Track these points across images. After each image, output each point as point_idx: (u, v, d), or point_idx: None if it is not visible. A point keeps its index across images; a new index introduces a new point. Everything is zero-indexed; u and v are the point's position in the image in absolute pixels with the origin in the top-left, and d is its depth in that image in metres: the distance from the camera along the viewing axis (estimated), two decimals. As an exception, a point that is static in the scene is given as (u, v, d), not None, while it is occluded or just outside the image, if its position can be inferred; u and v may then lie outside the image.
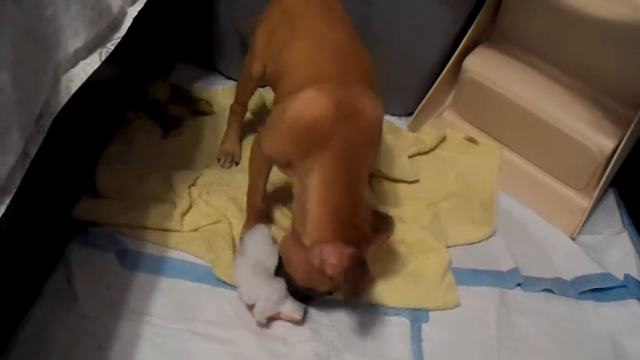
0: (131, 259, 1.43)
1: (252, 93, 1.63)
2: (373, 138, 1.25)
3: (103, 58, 1.09)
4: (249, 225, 1.46)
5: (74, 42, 1.04)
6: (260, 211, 1.47)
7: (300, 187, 1.22)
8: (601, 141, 1.56)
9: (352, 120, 1.18)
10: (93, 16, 1.07)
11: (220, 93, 1.82)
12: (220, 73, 1.92)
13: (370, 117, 1.22)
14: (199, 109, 1.79)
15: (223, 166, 1.69)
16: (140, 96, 1.75)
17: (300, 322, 1.35)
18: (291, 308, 1.34)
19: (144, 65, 1.79)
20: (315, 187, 1.17)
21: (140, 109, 1.75)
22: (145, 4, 1.23)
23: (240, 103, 1.66)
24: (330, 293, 1.30)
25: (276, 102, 1.38)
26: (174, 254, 1.46)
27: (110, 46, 1.12)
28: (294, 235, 1.23)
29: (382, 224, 1.23)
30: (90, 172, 1.54)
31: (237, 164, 1.70)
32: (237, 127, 1.70)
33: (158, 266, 1.43)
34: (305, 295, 1.32)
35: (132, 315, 1.33)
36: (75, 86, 1.04)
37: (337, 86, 1.21)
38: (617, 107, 1.60)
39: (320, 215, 1.17)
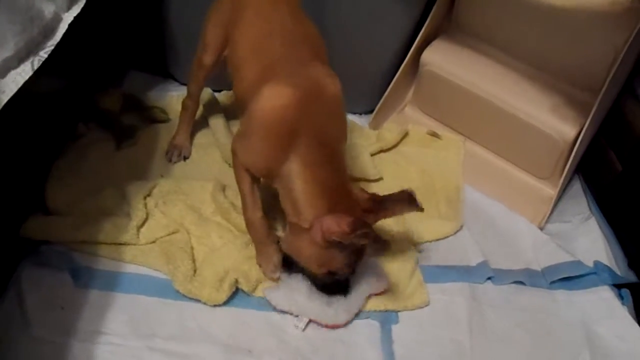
0: (86, 277, 1.36)
1: (202, 83, 1.59)
2: (339, 112, 1.29)
3: (36, 67, 1.03)
4: (262, 254, 1.39)
5: (2, 51, 0.98)
6: (262, 226, 1.38)
7: (285, 180, 1.22)
8: (563, 128, 1.55)
9: (316, 101, 1.21)
10: (23, 23, 1.01)
11: (176, 100, 1.76)
12: (174, 79, 1.86)
13: (333, 93, 1.25)
14: (153, 116, 1.73)
15: (170, 160, 1.65)
16: (91, 107, 1.68)
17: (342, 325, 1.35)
18: (333, 315, 1.33)
19: (94, 75, 1.73)
20: (298, 172, 1.20)
21: (91, 120, 1.68)
22: (93, 11, 1.17)
23: (191, 96, 1.62)
24: (353, 271, 1.29)
25: (237, 99, 1.39)
26: (131, 268, 1.40)
27: (44, 54, 1.06)
28: (292, 227, 1.25)
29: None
30: (40, 189, 1.48)
31: (185, 158, 1.67)
32: (188, 122, 1.67)
33: (114, 282, 1.37)
34: (334, 284, 1.30)
35: (87, 336, 1.27)
36: (6, 97, 0.97)
37: (292, 70, 1.23)
38: (576, 93, 1.59)
39: (310, 194, 1.19)
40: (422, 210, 1.22)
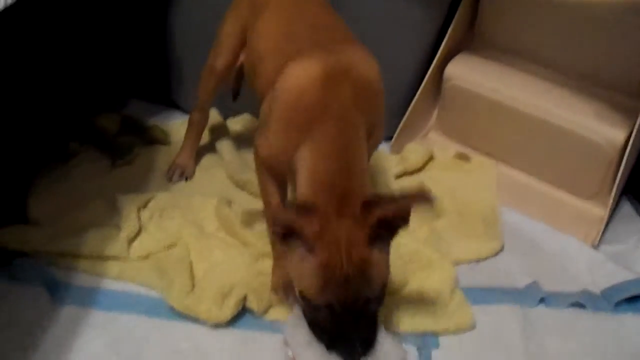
0: (62, 292, 1.16)
1: (213, 94, 1.45)
2: (373, 98, 1.10)
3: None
4: (277, 269, 1.19)
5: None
6: None
7: (292, 173, 1.06)
8: (610, 133, 1.38)
9: (345, 83, 1.04)
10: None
11: (179, 125, 1.62)
12: (178, 107, 1.73)
13: (367, 76, 1.09)
14: (153, 136, 1.58)
15: (171, 180, 1.49)
16: (88, 128, 1.54)
17: None
18: None
19: (92, 97, 1.60)
20: (304, 161, 1.02)
21: (87, 142, 1.53)
22: (93, 34, 1.06)
23: (200, 110, 1.49)
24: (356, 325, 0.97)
25: (260, 99, 1.21)
26: (116, 285, 1.20)
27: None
28: None
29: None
30: (21, 202, 1.30)
31: (187, 179, 1.50)
32: (194, 140, 1.52)
33: (94, 299, 1.17)
34: (338, 337, 0.98)
35: (54, 356, 1.04)
36: None
37: (322, 50, 1.08)
38: (620, 99, 1.45)
39: (304, 188, 1.01)
40: (433, 202, 0.97)
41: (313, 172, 1.00)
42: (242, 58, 1.38)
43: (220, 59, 1.38)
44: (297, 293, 0.99)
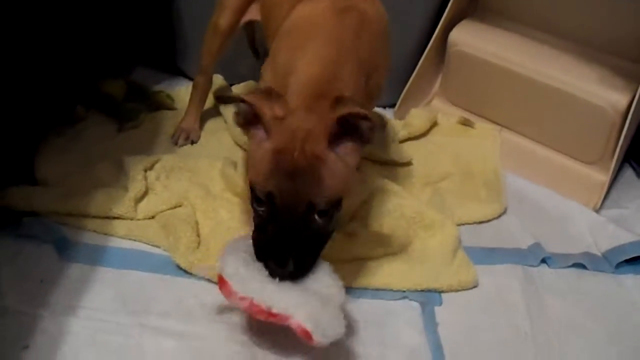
0: (71, 250, 1.18)
1: (217, 55, 1.45)
2: (375, 36, 1.11)
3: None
4: None
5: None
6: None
7: None
8: (613, 97, 1.39)
9: (351, 16, 1.07)
10: None
11: (184, 91, 1.62)
12: (183, 74, 1.73)
13: (372, 16, 1.11)
14: (159, 102, 1.59)
15: (176, 144, 1.50)
16: (94, 92, 1.55)
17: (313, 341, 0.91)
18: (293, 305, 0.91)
19: (98, 62, 1.61)
20: (295, 69, 1.01)
21: (93, 106, 1.54)
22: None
23: (204, 73, 1.49)
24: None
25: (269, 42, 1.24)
26: (123, 243, 1.21)
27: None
28: None
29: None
30: (29, 163, 1.31)
31: (192, 143, 1.51)
32: (199, 104, 1.53)
33: (102, 257, 1.18)
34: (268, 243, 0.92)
35: (63, 309, 1.07)
36: None
37: None
38: (623, 64, 1.46)
39: (289, 92, 0.98)
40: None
41: (297, 78, 1.00)
42: (250, 15, 1.37)
43: (223, 17, 1.37)
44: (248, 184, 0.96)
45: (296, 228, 0.90)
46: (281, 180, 0.89)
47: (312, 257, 0.95)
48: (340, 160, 0.91)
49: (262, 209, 0.91)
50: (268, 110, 0.90)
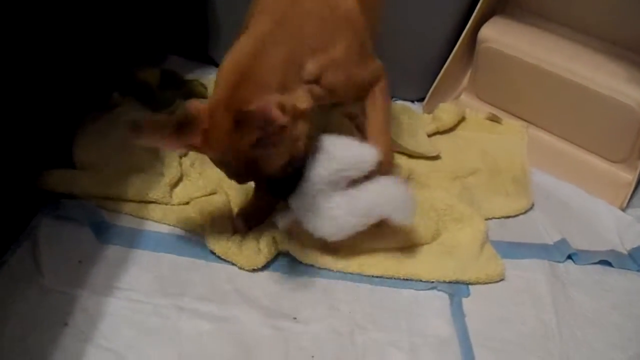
0: (109, 233, 1.21)
1: None
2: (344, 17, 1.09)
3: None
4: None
5: None
6: None
7: None
8: (642, 96, 1.40)
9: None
10: None
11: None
12: (215, 63, 1.76)
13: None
14: (192, 90, 1.61)
15: None
16: (129, 80, 1.58)
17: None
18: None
19: (133, 50, 1.64)
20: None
21: (128, 94, 1.57)
22: None
23: None
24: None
25: None
26: (160, 227, 1.25)
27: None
28: None
29: None
30: (67, 147, 1.35)
31: None
32: None
33: (140, 240, 1.22)
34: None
35: (103, 289, 1.11)
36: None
37: None
38: (656, 65, 1.46)
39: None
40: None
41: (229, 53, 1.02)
42: None
43: None
44: None
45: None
46: (239, 178, 1.04)
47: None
48: (267, 152, 0.96)
49: None
50: (196, 142, 0.97)
